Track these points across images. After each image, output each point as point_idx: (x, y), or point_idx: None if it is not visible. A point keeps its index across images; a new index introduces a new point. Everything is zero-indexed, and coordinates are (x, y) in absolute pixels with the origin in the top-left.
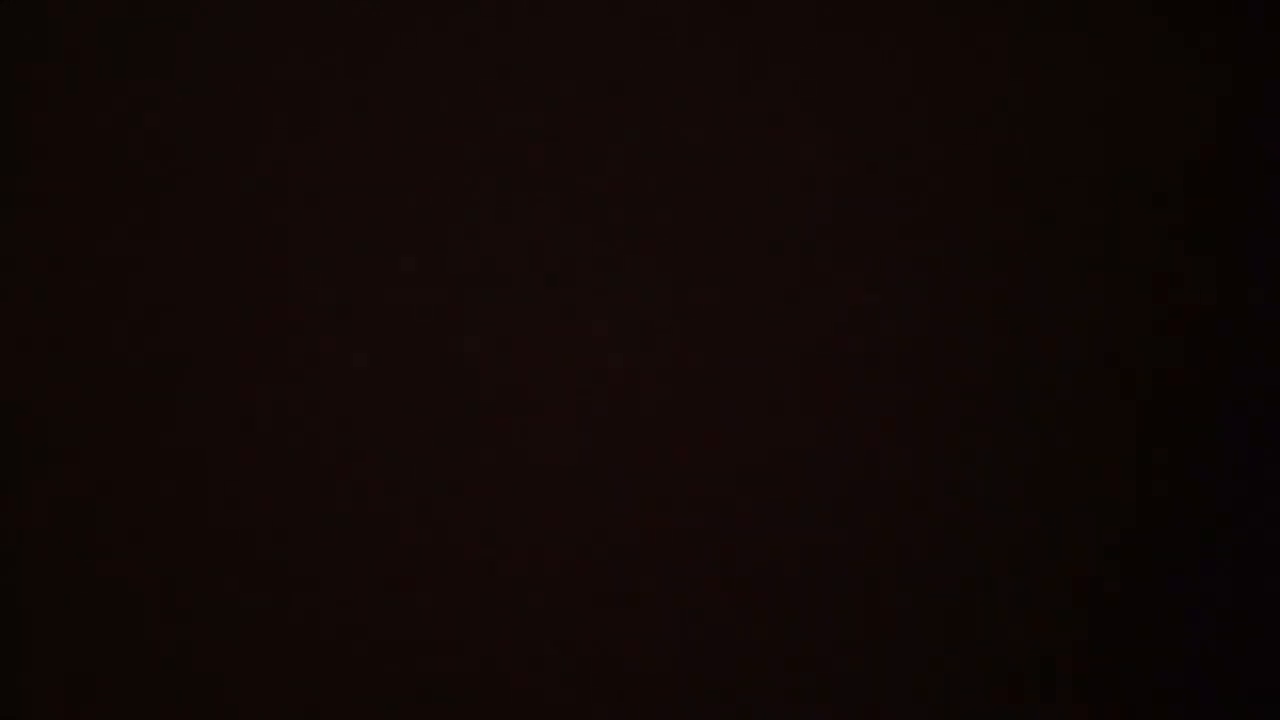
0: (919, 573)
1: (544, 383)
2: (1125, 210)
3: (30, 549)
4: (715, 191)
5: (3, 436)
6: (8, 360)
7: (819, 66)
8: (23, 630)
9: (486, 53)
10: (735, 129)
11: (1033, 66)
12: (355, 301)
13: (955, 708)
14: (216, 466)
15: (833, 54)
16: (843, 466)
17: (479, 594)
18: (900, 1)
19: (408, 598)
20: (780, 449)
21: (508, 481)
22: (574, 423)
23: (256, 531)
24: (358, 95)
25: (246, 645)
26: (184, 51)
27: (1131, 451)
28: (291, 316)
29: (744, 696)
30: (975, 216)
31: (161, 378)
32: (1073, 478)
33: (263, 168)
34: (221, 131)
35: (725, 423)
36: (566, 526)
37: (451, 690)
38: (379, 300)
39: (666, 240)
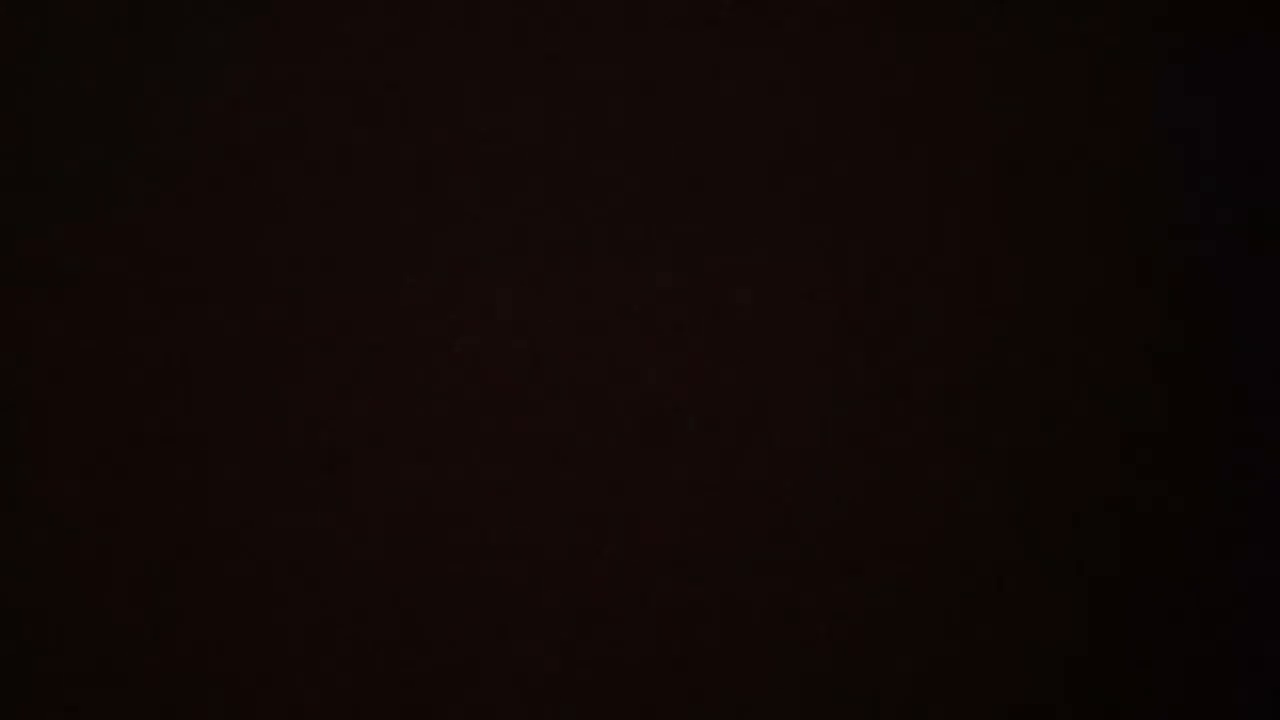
0: (920, 572)
1: (551, 381)
2: (1124, 209)
3: (30, 550)
4: (711, 188)
5: (3, 437)
6: (8, 360)
7: (810, 62)
8: (22, 631)
9: (484, 52)
10: (732, 122)
11: (1032, 66)
12: (354, 302)
13: (957, 708)
14: (216, 469)
15: (827, 46)
16: (848, 464)
17: (480, 595)
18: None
19: (406, 599)
20: (789, 447)
21: (507, 482)
22: (579, 422)
23: (257, 533)
24: (359, 99)
25: (246, 646)
26: (187, 53)
27: (1131, 448)
28: (290, 317)
29: (744, 697)
30: (973, 213)
31: (162, 380)
32: (1077, 476)
33: (263, 170)
34: (221, 132)
35: (732, 421)
36: (566, 525)
37: (462, 692)
38: (377, 300)
39: (675, 234)
